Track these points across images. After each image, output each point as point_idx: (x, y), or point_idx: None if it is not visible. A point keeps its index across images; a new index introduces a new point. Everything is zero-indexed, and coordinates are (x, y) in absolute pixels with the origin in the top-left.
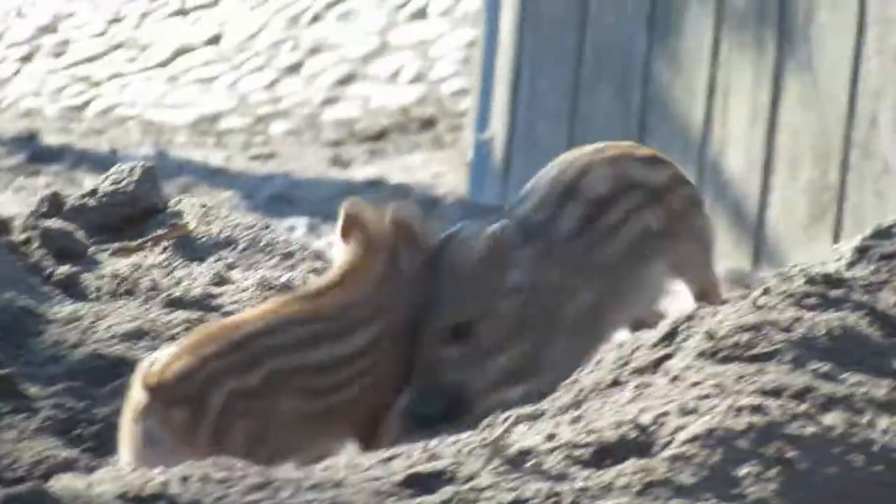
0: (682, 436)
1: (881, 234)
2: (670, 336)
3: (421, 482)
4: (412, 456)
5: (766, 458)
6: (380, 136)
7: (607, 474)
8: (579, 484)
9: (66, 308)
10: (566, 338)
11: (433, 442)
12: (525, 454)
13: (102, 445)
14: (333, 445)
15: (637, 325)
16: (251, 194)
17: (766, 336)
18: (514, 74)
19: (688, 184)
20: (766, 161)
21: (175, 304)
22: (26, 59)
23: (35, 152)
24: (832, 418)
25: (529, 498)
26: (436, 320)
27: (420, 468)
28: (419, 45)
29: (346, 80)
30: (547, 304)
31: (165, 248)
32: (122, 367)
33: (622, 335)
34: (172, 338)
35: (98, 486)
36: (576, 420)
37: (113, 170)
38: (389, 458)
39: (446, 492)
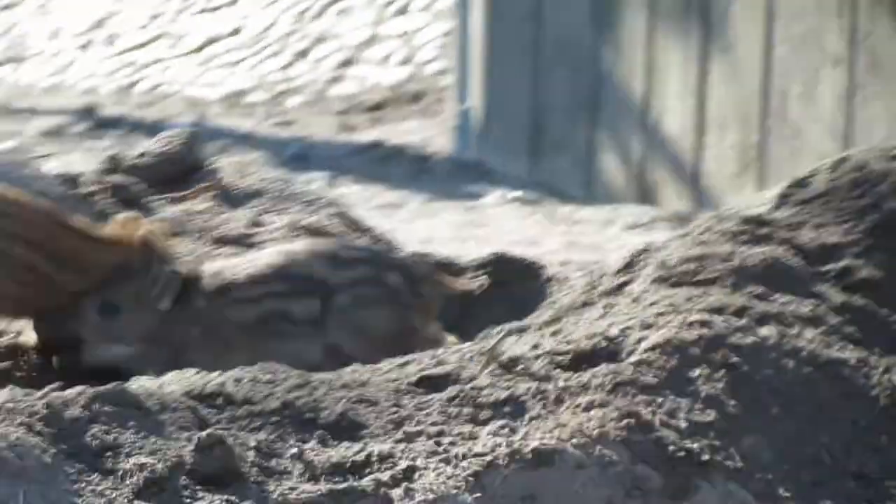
0: (643, 345)
1: (798, 183)
2: (629, 265)
3: (431, 382)
4: (423, 362)
5: (713, 362)
6: (378, 107)
7: (584, 376)
8: (561, 384)
9: None
10: None
11: (439, 351)
12: (515, 360)
13: None
14: None
15: None
16: (275, 155)
17: (708, 265)
18: (485, 57)
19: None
20: (698, 126)
21: (220, 241)
22: (83, 48)
23: (97, 121)
24: (767, 331)
25: (521, 395)
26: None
27: (430, 371)
28: (404, 35)
29: (346, 63)
30: None
31: (208, 198)
32: None
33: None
34: None
35: (168, 386)
36: (556, 333)
37: (162, 135)
38: (404, 364)
39: (452, 390)
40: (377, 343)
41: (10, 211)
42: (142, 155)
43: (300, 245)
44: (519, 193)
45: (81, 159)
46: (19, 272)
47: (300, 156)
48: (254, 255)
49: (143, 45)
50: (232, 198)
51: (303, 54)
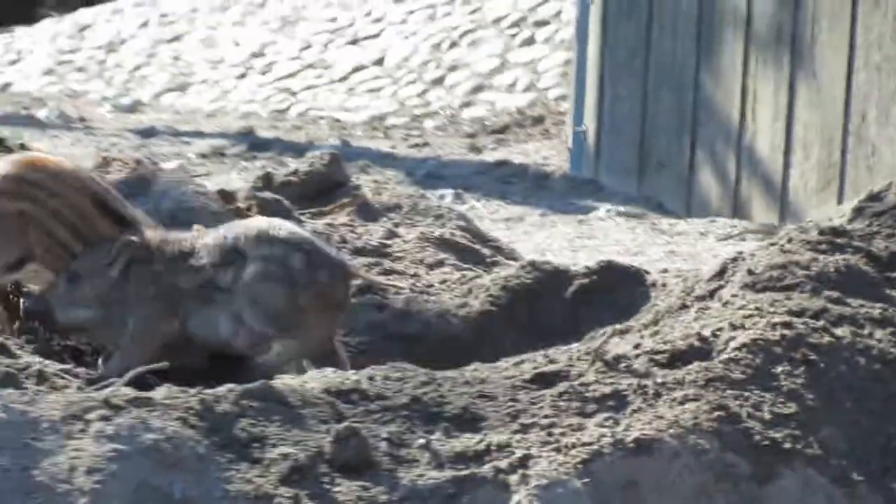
0: (733, 344)
1: (873, 198)
2: (721, 273)
3: (544, 379)
4: (536, 361)
5: (794, 360)
6: (503, 129)
7: (679, 373)
8: (659, 379)
9: None
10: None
11: (551, 351)
12: (619, 359)
13: None
14: None
15: None
16: (411, 173)
17: (791, 272)
18: (599, 84)
19: None
20: (786, 147)
21: (358, 252)
22: (242, 76)
23: (252, 143)
24: (841, 331)
25: (624, 390)
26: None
27: (543, 369)
28: (529, 64)
29: (477, 89)
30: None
31: (349, 212)
32: None
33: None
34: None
35: (309, 384)
36: (655, 334)
37: (309, 155)
38: (520, 363)
39: (563, 386)
40: (270, 315)
41: (55, 175)
42: (292, 173)
43: (251, 221)
44: (626, 208)
45: (238, 178)
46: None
47: (433, 174)
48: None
49: (295, 74)
50: (370, 211)
51: (438, 81)
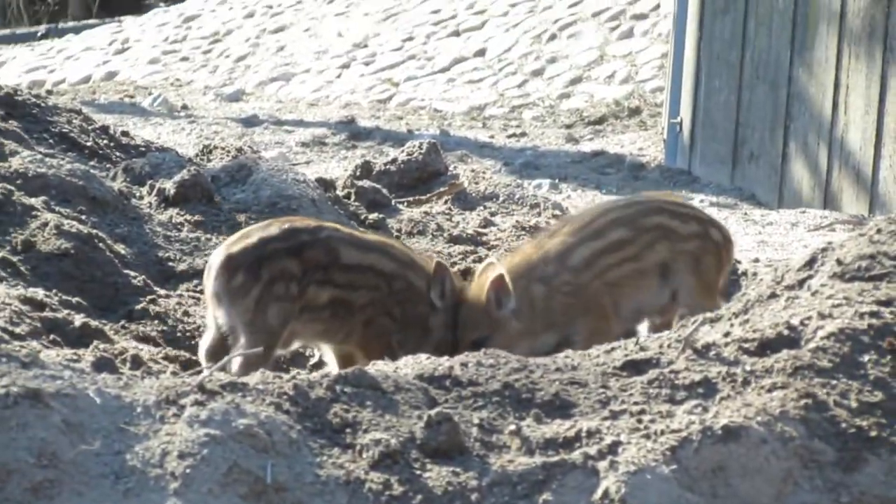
0: (821, 333)
1: None
2: (811, 263)
3: (634, 366)
4: (627, 348)
5: (881, 349)
6: (600, 120)
7: (768, 361)
8: (748, 367)
9: None
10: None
11: (642, 338)
12: (709, 346)
13: None
14: None
15: None
16: (508, 162)
17: (879, 262)
18: (695, 77)
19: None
20: (876, 139)
21: (454, 240)
22: (345, 66)
23: (353, 132)
24: None
25: (713, 377)
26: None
27: (634, 356)
28: (627, 56)
29: (575, 80)
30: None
31: (446, 201)
32: None
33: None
34: (452, 264)
35: (402, 370)
36: (744, 322)
37: (408, 144)
38: (611, 350)
39: (653, 373)
40: None
41: None
42: (390, 162)
43: None
44: (719, 199)
45: (338, 166)
46: None
47: (530, 163)
48: None
49: (396, 65)
50: (467, 200)
51: (537, 73)
